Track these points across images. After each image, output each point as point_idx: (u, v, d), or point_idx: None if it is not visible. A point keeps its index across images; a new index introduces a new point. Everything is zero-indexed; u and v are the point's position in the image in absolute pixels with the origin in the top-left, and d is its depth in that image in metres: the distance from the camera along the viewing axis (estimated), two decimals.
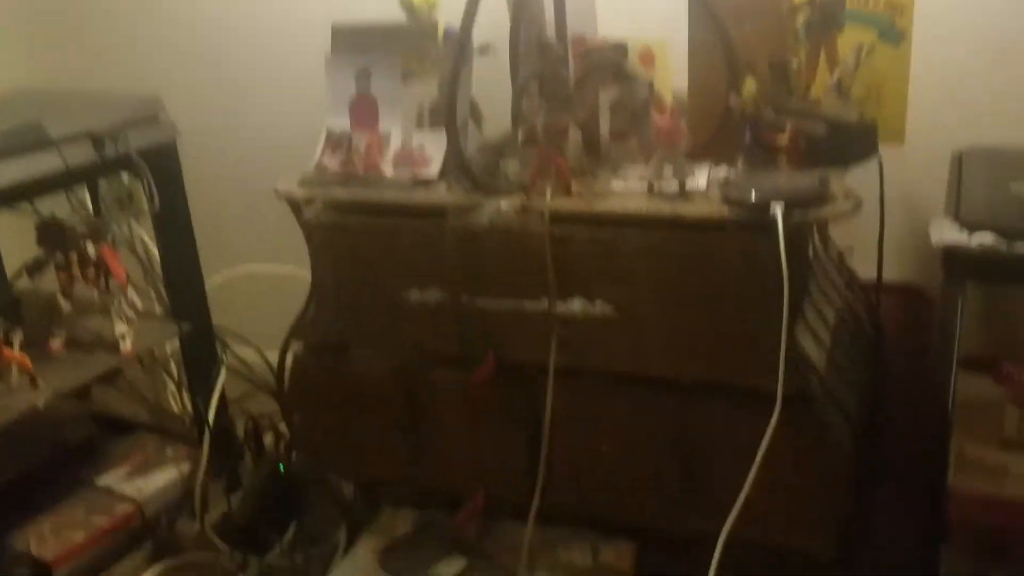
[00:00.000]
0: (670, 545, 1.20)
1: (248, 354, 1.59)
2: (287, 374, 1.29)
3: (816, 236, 1.18)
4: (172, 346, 1.64)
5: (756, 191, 0.94)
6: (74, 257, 1.37)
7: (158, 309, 1.50)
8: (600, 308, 1.06)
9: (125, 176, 1.45)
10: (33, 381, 1.26)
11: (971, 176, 1.11)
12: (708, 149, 1.08)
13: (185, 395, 1.62)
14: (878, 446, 1.14)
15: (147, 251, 1.54)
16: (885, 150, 1.12)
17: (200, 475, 1.40)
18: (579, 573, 1.16)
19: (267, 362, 1.50)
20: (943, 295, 1.01)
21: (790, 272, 0.93)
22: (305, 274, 1.22)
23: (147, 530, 1.43)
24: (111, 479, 1.50)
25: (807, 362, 1.02)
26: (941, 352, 1.04)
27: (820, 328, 1.09)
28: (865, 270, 1.26)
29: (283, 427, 1.44)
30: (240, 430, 1.54)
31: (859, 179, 1.06)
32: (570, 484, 1.18)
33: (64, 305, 1.44)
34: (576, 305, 1.07)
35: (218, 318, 1.51)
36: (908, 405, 1.22)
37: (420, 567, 1.18)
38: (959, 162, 1.17)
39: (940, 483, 1.04)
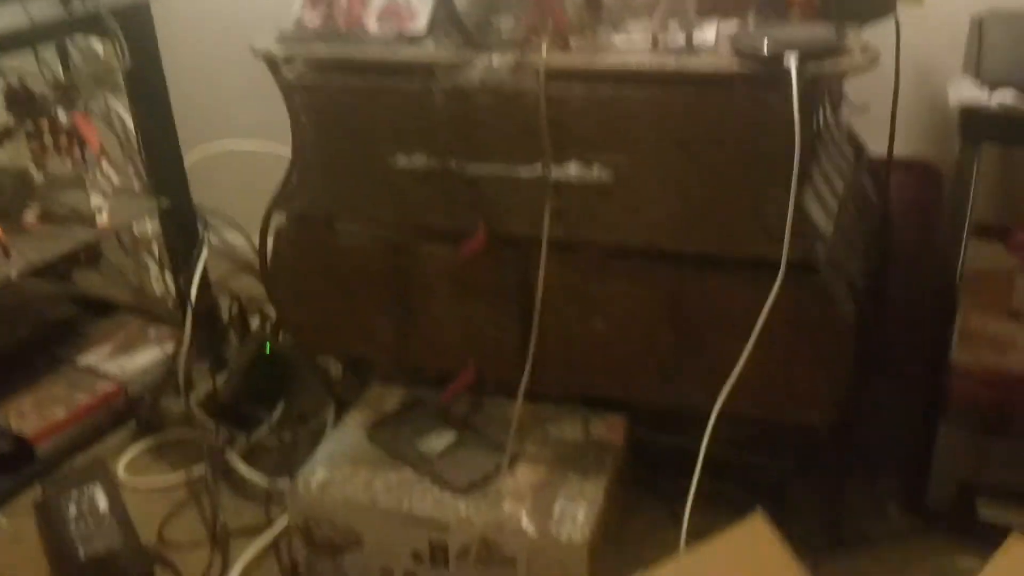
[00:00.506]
0: (662, 419, 1.18)
1: (232, 236, 1.54)
2: (270, 248, 1.24)
3: (828, 97, 1.12)
4: (154, 228, 1.59)
5: (769, 41, 0.88)
6: (45, 125, 1.31)
7: (136, 185, 1.44)
8: (598, 173, 1.01)
9: (97, 43, 1.37)
10: (5, 251, 1.21)
11: (992, 38, 1.05)
12: (717, 2, 1.01)
13: (168, 277, 1.58)
14: (881, 321, 1.11)
15: (123, 126, 1.47)
16: (903, 11, 1.05)
17: (183, 353, 1.37)
18: (569, 447, 1.14)
19: (250, 242, 1.46)
20: (958, 160, 0.97)
21: (801, 132, 0.88)
22: (288, 151, 1.16)
23: (130, 408, 1.40)
24: (93, 358, 1.47)
25: (814, 229, 0.98)
26: (952, 221, 1.00)
27: (828, 196, 1.05)
28: (875, 145, 1.21)
29: (270, 310, 1.41)
30: (225, 312, 1.50)
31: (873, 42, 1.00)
32: (562, 360, 1.15)
33: (37, 177, 1.38)
34: (572, 169, 1.02)
35: (198, 197, 1.45)
36: (913, 280, 1.18)
37: (409, 441, 1.16)
38: (979, 25, 1.11)
39: (942, 357, 1.01)
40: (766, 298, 0.94)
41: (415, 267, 1.17)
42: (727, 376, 0.98)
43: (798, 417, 1.05)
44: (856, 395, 1.08)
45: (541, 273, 1.06)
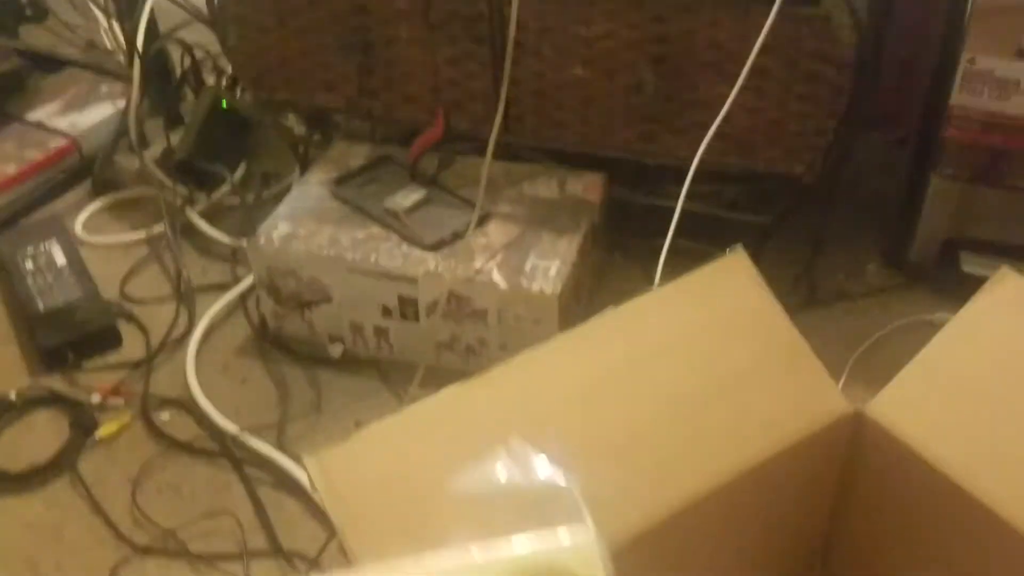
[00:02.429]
0: (640, 176, 1.13)
1: None
2: None
3: None
4: None
5: None
6: None
7: None
8: None
9: None
10: None
11: None
12: None
13: (117, 29, 1.46)
14: (877, 69, 1.04)
15: None
16: None
17: (134, 107, 1.29)
18: (543, 205, 1.10)
19: None
20: None
21: None
22: None
23: (85, 165, 1.34)
24: (43, 114, 1.39)
25: None
26: None
27: None
28: None
29: (226, 64, 1.31)
30: (178, 66, 1.40)
31: None
32: (537, 111, 1.08)
33: None
34: None
35: None
36: (917, 22, 1.10)
37: (375, 198, 1.11)
38: None
39: (940, 102, 0.95)
40: (759, 35, 0.87)
41: (378, 6, 1.07)
42: (712, 123, 0.92)
43: (783, 168, 1.00)
44: (845, 148, 1.02)
45: (514, 10, 0.96)
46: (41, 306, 1.09)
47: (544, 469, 0.39)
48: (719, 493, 0.64)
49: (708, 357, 0.68)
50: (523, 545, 0.27)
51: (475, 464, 0.49)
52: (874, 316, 1.06)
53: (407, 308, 1.06)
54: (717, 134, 0.93)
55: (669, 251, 0.91)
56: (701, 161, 0.93)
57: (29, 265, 1.14)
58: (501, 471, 0.45)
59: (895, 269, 1.13)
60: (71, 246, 1.19)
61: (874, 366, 1.00)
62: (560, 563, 0.28)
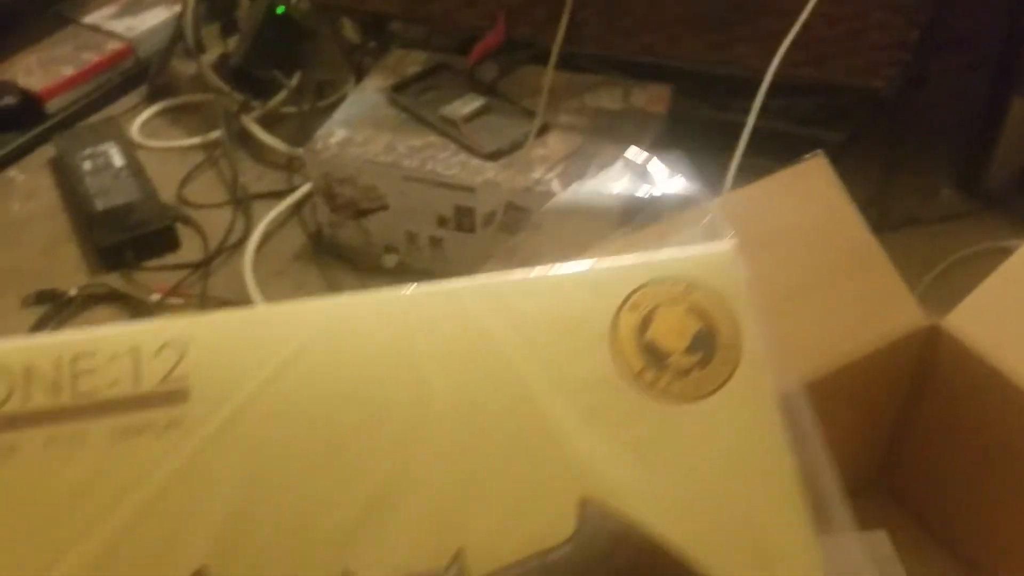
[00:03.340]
0: (709, 89, 1.10)
1: None
2: None
3: None
4: None
5: None
6: None
7: None
8: None
9: None
10: None
11: None
12: None
13: None
14: None
15: None
16: None
17: (190, 10, 1.27)
18: (606, 116, 1.07)
19: None
20: None
21: None
22: None
23: (141, 70, 1.33)
24: (99, 17, 1.38)
25: None
26: None
27: None
28: None
29: None
30: None
31: None
32: (601, 18, 1.04)
33: None
34: None
35: None
36: None
37: (432, 105, 1.09)
38: None
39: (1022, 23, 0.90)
40: None
41: None
42: (786, 35, 0.88)
43: (861, 81, 0.96)
44: (923, 65, 0.98)
45: None
46: (100, 206, 1.10)
47: None
48: (781, 402, 0.63)
49: (780, 261, 0.66)
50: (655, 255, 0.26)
51: None
52: (946, 241, 1.02)
53: (463, 218, 1.05)
54: (792, 44, 0.89)
55: (737, 169, 0.88)
56: (773, 73, 0.89)
57: (87, 166, 1.15)
58: None
59: (969, 195, 1.08)
60: (128, 149, 1.19)
61: (946, 291, 0.97)
62: (675, 270, 0.26)
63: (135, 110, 1.30)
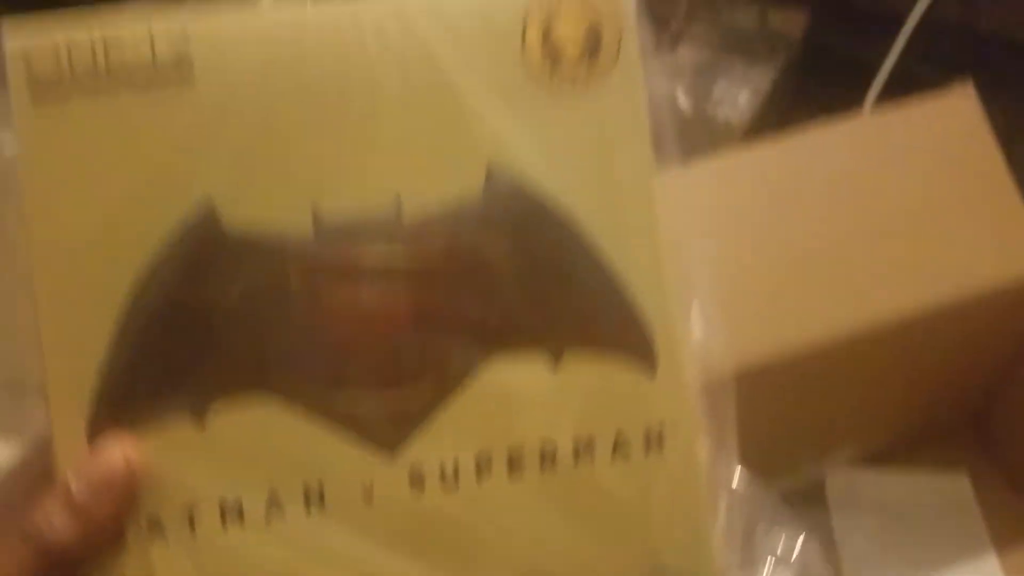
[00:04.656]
0: (849, 21, 1.07)
1: None
2: None
3: None
4: None
5: None
6: None
7: None
8: None
9: None
10: None
11: None
12: None
13: None
14: None
15: None
16: None
17: None
18: (740, 33, 1.05)
19: None
20: None
21: None
22: None
23: None
24: None
25: None
26: None
27: None
28: None
29: None
30: None
31: None
32: None
33: None
34: None
35: None
36: None
37: None
38: None
39: None
40: None
41: None
42: None
43: (1012, 30, 0.93)
44: None
45: None
46: None
47: None
48: (894, 328, 0.63)
49: (914, 182, 0.65)
50: None
51: None
52: None
53: None
54: None
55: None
56: (921, 13, 0.87)
57: None
58: None
59: None
60: None
61: None
62: None
63: None
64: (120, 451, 0.28)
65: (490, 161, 0.30)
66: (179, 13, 0.30)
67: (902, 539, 0.69)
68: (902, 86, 0.89)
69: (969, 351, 0.72)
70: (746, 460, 0.63)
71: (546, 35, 0.31)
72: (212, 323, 0.29)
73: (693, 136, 1.01)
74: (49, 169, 0.28)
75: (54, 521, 0.27)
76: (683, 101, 0.97)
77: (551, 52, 0.31)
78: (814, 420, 0.69)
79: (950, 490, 0.75)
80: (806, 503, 0.71)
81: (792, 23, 1.05)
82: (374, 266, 0.29)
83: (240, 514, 0.29)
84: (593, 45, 0.31)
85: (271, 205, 0.29)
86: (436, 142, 0.30)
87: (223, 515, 0.29)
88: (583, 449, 0.31)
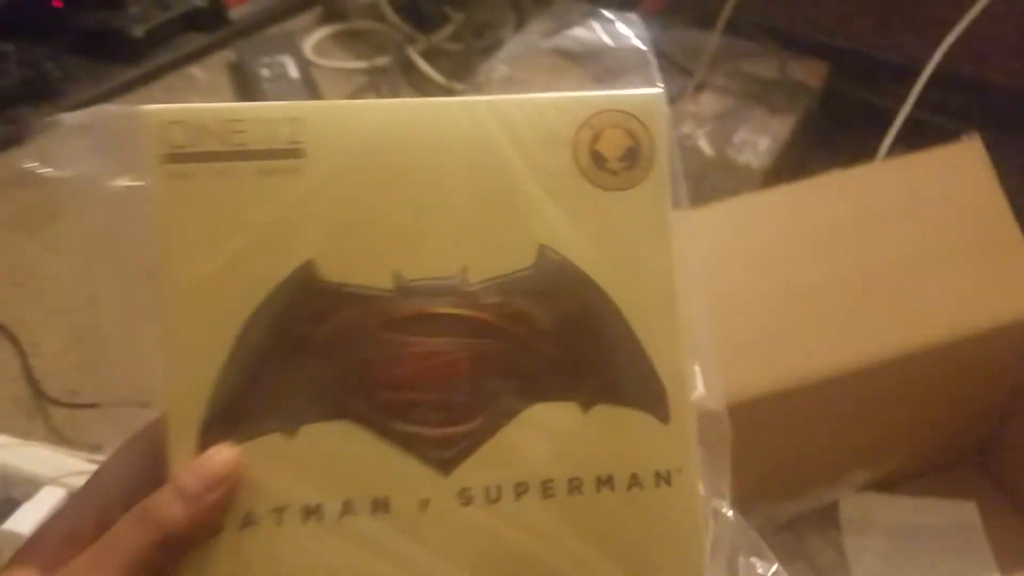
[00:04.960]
0: (866, 71, 1.11)
1: None
2: None
3: None
4: None
5: None
6: None
7: None
8: None
9: None
10: None
11: None
12: None
13: None
14: None
15: None
16: None
17: None
18: (761, 83, 1.10)
19: None
20: None
21: None
22: None
23: None
24: None
25: None
26: None
27: None
28: None
29: None
30: None
31: None
32: None
33: None
34: None
35: None
36: None
37: (593, 55, 1.13)
38: None
39: None
40: None
41: None
42: (950, 30, 0.89)
43: (1017, 85, 0.96)
44: None
45: None
46: None
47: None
48: (897, 363, 0.66)
49: (923, 229, 0.69)
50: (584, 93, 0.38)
51: None
52: None
53: None
54: (956, 38, 0.90)
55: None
56: (935, 65, 0.91)
57: (266, 73, 1.24)
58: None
59: None
60: (302, 63, 1.27)
61: None
62: (620, 105, 0.38)
63: (309, 28, 1.39)
64: (225, 456, 0.33)
65: (541, 243, 0.36)
66: (294, 102, 0.37)
67: (911, 560, 0.72)
68: (916, 135, 0.93)
69: (976, 384, 0.75)
70: (764, 484, 0.66)
71: (594, 145, 0.37)
72: (306, 358, 0.35)
73: (716, 179, 1.05)
74: (180, 225, 0.34)
75: (170, 507, 0.32)
76: (705, 146, 1.01)
77: (597, 159, 0.37)
78: (828, 447, 0.72)
79: (958, 515, 0.77)
80: (821, 524, 0.74)
81: (811, 74, 1.10)
82: (441, 320, 0.35)
83: (319, 516, 0.35)
84: (632, 157, 0.37)
85: (360, 267, 0.35)
86: (498, 224, 0.36)
87: (305, 515, 0.35)
88: (604, 483, 0.37)
